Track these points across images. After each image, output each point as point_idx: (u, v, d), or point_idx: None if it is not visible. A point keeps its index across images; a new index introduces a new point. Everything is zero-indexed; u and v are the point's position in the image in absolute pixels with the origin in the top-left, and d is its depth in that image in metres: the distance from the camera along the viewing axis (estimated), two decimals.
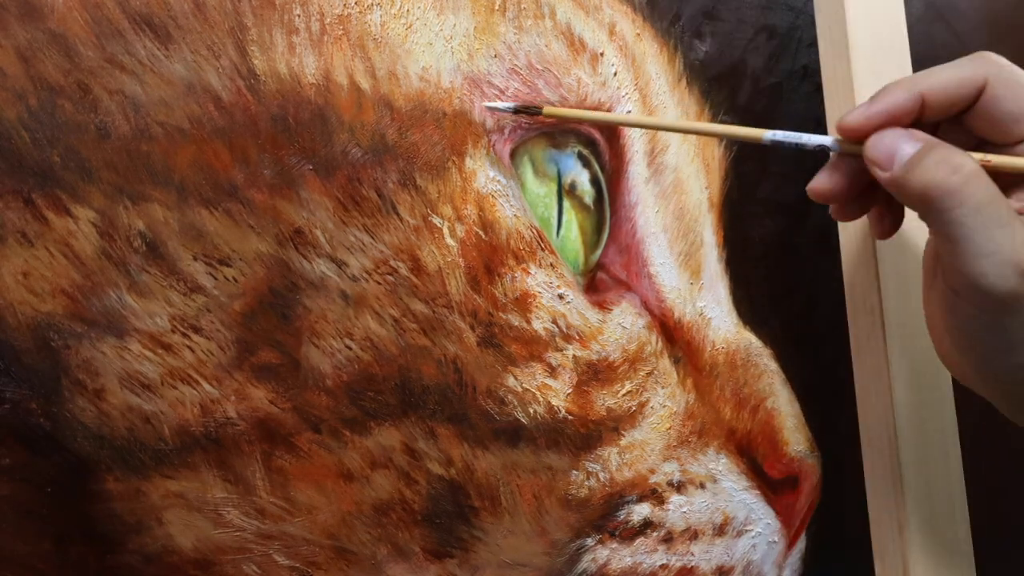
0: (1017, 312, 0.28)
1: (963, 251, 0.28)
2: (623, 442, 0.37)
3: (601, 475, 0.37)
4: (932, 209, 0.28)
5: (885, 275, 0.40)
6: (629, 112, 0.38)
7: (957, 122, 0.31)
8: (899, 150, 0.29)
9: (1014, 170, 0.29)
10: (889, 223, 0.35)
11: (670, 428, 0.39)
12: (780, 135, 0.31)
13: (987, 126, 0.30)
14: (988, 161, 0.29)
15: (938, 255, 0.31)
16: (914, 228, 0.40)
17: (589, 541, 0.37)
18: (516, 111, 0.34)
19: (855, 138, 0.31)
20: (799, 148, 0.32)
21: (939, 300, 0.31)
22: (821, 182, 0.32)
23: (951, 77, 0.30)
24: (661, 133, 0.39)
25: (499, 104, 0.34)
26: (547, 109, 0.34)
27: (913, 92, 0.30)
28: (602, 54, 0.37)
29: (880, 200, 0.34)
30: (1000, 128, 0.30)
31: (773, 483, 0.41)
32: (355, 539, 0.33)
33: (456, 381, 0.34)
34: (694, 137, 0.40)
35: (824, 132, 0.40)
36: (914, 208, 0.30)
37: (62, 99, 0.28)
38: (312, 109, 0.31)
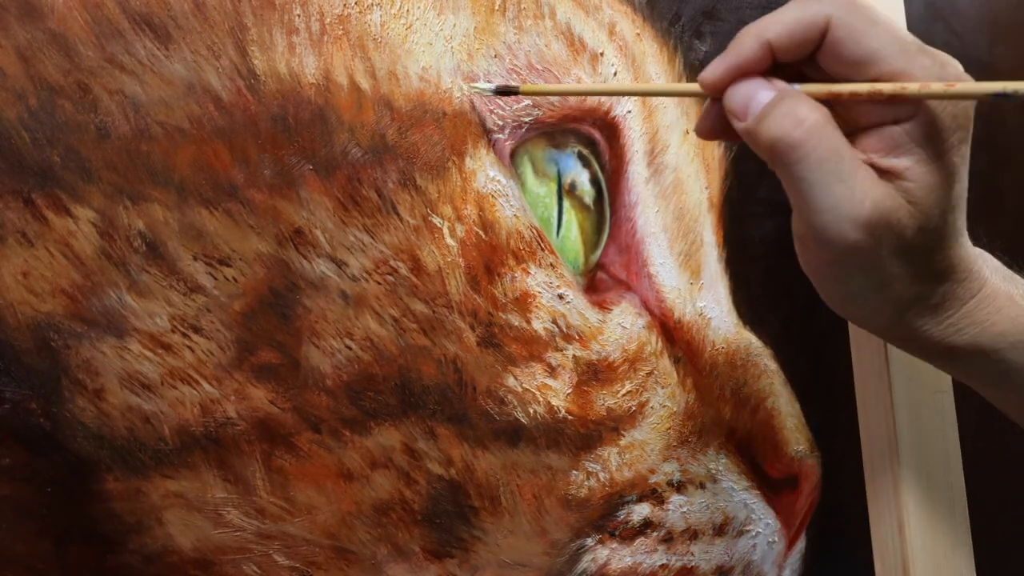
0: (858, 264, 0.29)
1: (806, 205, 0.28)
2: (623, 442, 0.37)
3: (601, 475, 0.37)
4: (778, 162, 0.29)
5: None
6: (629, 112, 0.38)
7: (812, 63, 0.30)
8: (752, 100, 0.29)
9: (854, 96, 0.29)
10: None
11: (670, 428, 0.39)
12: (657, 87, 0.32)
13: (833, 68, 0.30)
14: (834, 92, 0.29)
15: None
16: None
17: (589, 541, 0.37)
18: (496, 92, 0.34)
19: (715, 93, 0.31)
20: (672, 95, 0.33)
21: (797, 247, 0.32)
22: (701, 125, 0.33)
23: (794, 20, 0.29)
24: (661, 131, 0.39)
25: (480, 85, 0.34)
26: (524, 87, 0.34)
27: (760, 39, 0.30)
28: (602, 54, 0.37)
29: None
30: (843, 71, 0.29)
31: (773, 483, 0.41)
32: (355, 539, 0.33)
33: (456, 381, 0.34)
34: (694, 137, 0.40)
35: None
36: (763, 157, 0.30)
37: (62, 99, 0.28)
38: (312, 109, 0.31)
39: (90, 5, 0.29)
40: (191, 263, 0.30)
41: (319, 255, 0.32)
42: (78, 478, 0.29)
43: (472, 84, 0.34)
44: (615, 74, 0.38)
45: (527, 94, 0.35)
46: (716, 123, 0.32)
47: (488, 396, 0.35)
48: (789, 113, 0.28)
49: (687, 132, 0.40)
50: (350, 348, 0.32)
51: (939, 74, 0.28)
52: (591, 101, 0.37)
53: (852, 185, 0.28)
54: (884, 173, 0.29)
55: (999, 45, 0.52)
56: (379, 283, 0.33)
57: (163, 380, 0.30)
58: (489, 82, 0.34)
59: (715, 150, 0.41)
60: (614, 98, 0.37)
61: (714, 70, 0.30)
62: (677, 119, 0.40)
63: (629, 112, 0.38)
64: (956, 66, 0.29)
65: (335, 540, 0.32)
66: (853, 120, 0.30)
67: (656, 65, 0.39)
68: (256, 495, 0.31)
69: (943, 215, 0.29)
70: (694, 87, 0.31)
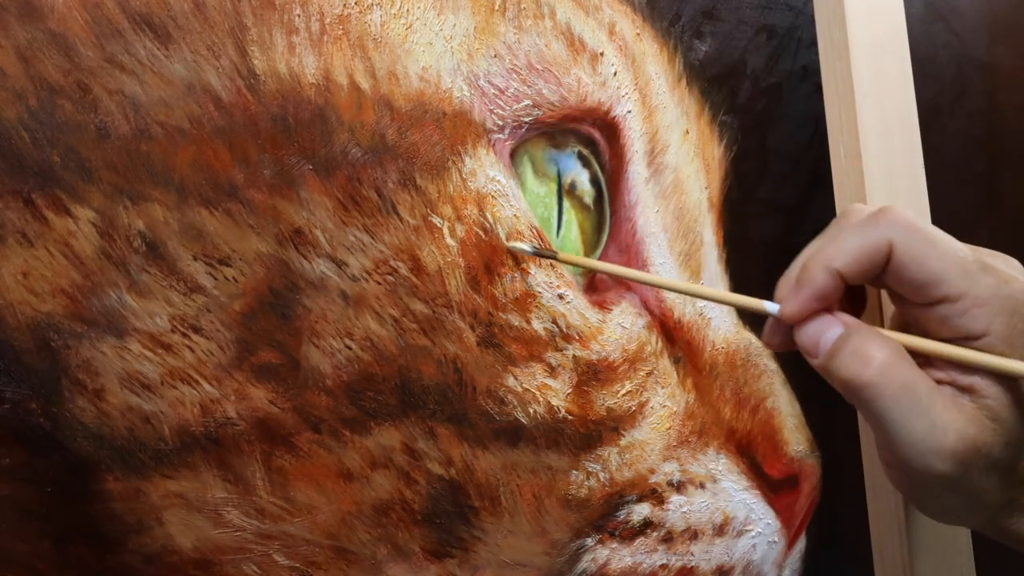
0: (948, 489, 0.29)
1: (888, 438, 0.29)
2: (623, 442, 0.37)
3: (601, 475, 0.37)
4: (854, 400, 0.30)
5: None
6: (629, 112, 0.38)
7: (880, 281, 0.31)
8: (822, 337, 0.31)
9: (924, 352, 0.30)
10: None
11: (670, 428, 0.39)
12: (768, 305, 0.33)
13: (899, 290, 0.30)
14: (910, 346, 0.30)
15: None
16: None
17: (589, 541, 0.37)
18: (534, 253, 0.35)
19: (798, 323, 0.32)
20: (749, 311, 0.34)
21: (883, 466, 0.33)
22: (771, 342, 0.34)
23: (859, 249, 0.30)
24: (661, 131, 0.39)
25: (519, 245, 0.35)
26: (561, 255, 0.35)
27: (830, 272, 0.30)
28: (602, 54, 0.37)
29: None
30: (910, 293, 0.30)
31: (773, 483, 0.41)
32: (355, 539, 0.33)
33: (456, 381, 0.34)
34: (694, 137, 0.40)
35: (823, 133, 0.40)
36: (841, 393, 0.31)
37: (62, 99, 0.28)
38: (312, 109, 0.31)
39: (90, 5, 0.29)
40: (191, 263, 0.30)
41: (319, 255, 0.32)
42: (78, 478, 0.29)
43: (511, 243, 0.35)
44: (615, 74, 0.38)
45: (564, 262, 0.36)
46: (784, 338, 0.33)
47: (488, 396, 0.35)
48: (857, 352, 0.29)
49: (687, 132, 0.40)
50: (350, 348, 0.32)
51: (1002, 292, 0.29)
52: (591, 101, 0.37)
53: (932, 418, 0.28)
54: (963, 390, 0.29)
55: (999, 45, 0.52)
56: (379, 283, 0.33)
57: (163, 380, 0.30)
58: (526, 243, 0.35)
59: (715, 150, 0.41)
60: (613, 98, 0.37)
61: (794, 305, 0.31)
62: (677, 119, 0.40)
63: (629, 112, 0.38)
64: (1018, 280, 0.29)
65: (335, 540, 0.32)
66: (928, 337, 0.30)
67: (656, 65, 0.39)
68: (256, 495, 0.31)
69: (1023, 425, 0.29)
70: (771, 305, 0.32)
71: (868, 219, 0.31)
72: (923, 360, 0.30)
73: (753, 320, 0.42)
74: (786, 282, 0.32)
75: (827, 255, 0.31)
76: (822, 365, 0.31)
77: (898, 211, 0.30)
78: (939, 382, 0.29)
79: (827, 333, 0.30)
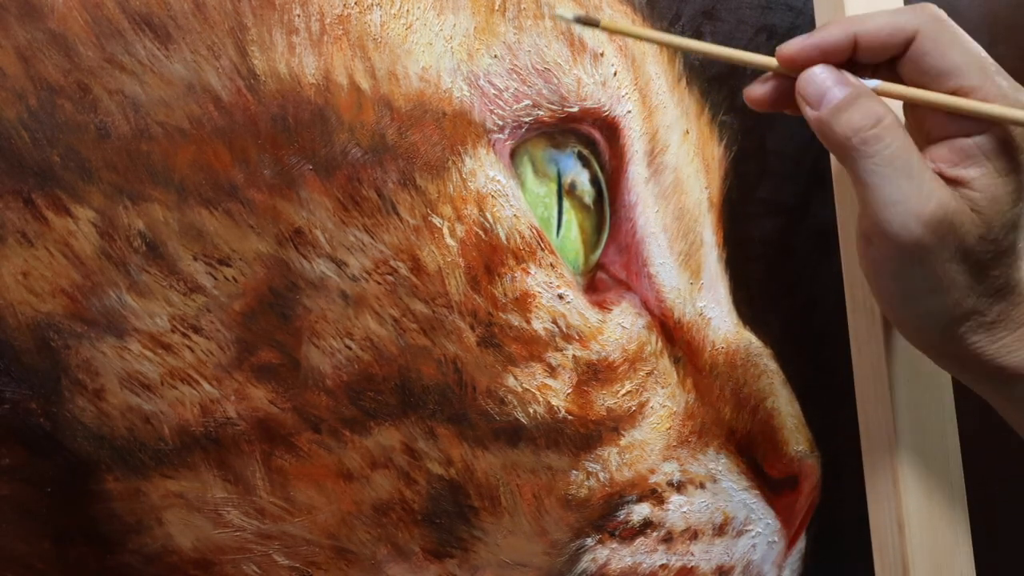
0: (919, 262, 0.30)
1: (873, 198, 0.30)
2: (623, 442, 0.37)
3: (601, 475, 0.37)
4: (850, 155, 0.30)
5: None
6: (629, 112, 0.38)
7: (890, 68, 0.32)
8: (828, 91, 0.31)
9: (918, 102, 0.30)
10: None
11: (670, 428, 0.39)
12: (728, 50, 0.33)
13: (913, 77, 0.31)
14: (910, 97, 0.30)
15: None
16: None
17: (589, 541, 0.37)
18: (576, 21, 0.34)
19: (790, 67, 0.32)
20: (743, 64, 0.34)
21: (859, 248, 0.33)
22: (755, 91, 0.34)
23: (885, 23, 0.31)
24: (661, 131, 0.39)
25: (562, 12, 0.34)
26: (604, 22, 0.34)
27: (847, 32, 0.31)
28: (602, 54, 0.37)
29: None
30: (923, 80, 0.31)
31: (773, 483, 0.41)
32: (355, 539, 0.33)
33: (456, 381, 0.34)
34: (694, 137, 0.40)
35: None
36: (834, 151, 0.31)
37: (62, 99, 0.28)
38: (312, 109, 0.31)
39: (90, 5, 0.29)
40: (191, 263, 0.30)
41: (319, 255, 0.32)
42: (78, 478, 0.29)
43: (557, 11, 0.34)
44: (615, 74, 0.38)
45: (608, 30, 0.35)
46: (771, 95, 0.33)
47: (488, 396, 0.35)
48: (866, 109, 0.30)
49: (687, 132, 0.40)
50: (350, 348, 0.32)
51: (1014, 97, 0.29)
52: (591, 101, 0.37)
53: (920, 183, 0.29)
54: (951, 182, 0.30)
55: (999, 45, 0.52)
56: (379, 283, 0.33)
57: (163, 380, 0.30)
58: (569, 11, 0.35)
59: (715, 150, 0.41)
60: (613, 98, 0.37)
61: (795, 46, 0.31)
62: (677, 119, 0.40)
63: (629, 112, 0.38)
64: None
65: (335, 540, 0.32)
66: (924, 131, 0.31)
67: (656, 65, 0.39)
68: (256, 495, 0.31)
69: (1005, 230, 0.30)
70: (768, 59, 0.32)
71: (902, 7, 0.32)
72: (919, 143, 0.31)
73: (753, 321, 0.42)
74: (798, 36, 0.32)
75: (851, 19, 0.31)
76: (824, 117, 0.30)
77: (936, 7, 0.31)
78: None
79: (834, 89, 0.30)
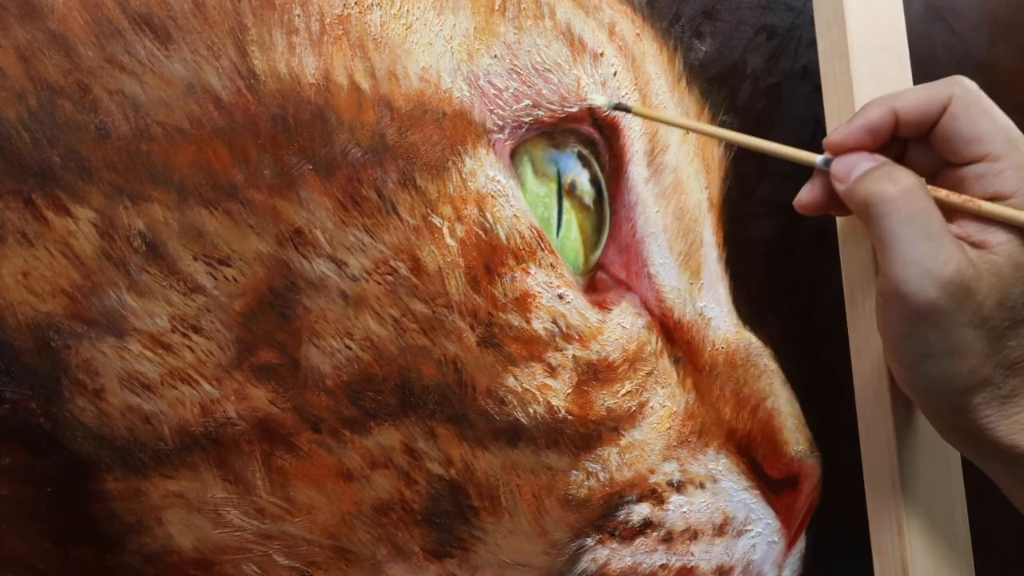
0: (934, 324, 0.30)
1: (891, 257, 0.30)
2: (623, 442, 0.37)
3: (601, 475, 0.37)
4: (870, 215, 0.31)
5: None
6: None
7: (924, 143, 0.33)
8: (856, 166, 0.32)
9: (954, 206, 0.32)
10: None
11: (670, 428, 0.39)
12: (818, 158, 0.35)
13: (944, 144, 0.32)
14: (942, 194, 0.32)
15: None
16: None
17: (589, 541, 0.37)
18: (614, 108, 0.36)
19: (839, 153, 0.33)
20: (793, 160, 0.35)
21: (877, 309, 0.34)
22: (804, 196, 0.35)
23: (922, 96, 0.32)
24: (661, 131, 0.39)
25: (597, 99, 0.36)
26: (636, 108, 0.36)
27: (887, 108, 0.32)
28: (602, 54, 0.37)
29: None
30: (954, 147, 0.32)
31: (773, 483, 0.41)
32: (355, 539, 0.33)
33: (456, 381, 0.34)
34: (694, 137, 0.40)
35: (823, 131, 0.40)
36: (859, 215, 0.32)
37: (62, 99, 0.28)
38: (312, 109, 0.31)
39: (90, 5, 0.29)
40: (191, 263, 0.30)
41: (319, 255, 0.32)
42: (78, 478, 0.29)
43: (590, 99, 0.36)
44: (615, 74, 0.38)
45: (640, 115, 0.37)
46: (819, 196, 0.35)
47: (488, 396, 0.35)
48: (886, 174, 0.31)
49: (686, 133, 0.40)
50: (350, 348, 0.32)
51: None
52: (591, 100, 0.37)
53: (939, 245, 0.30)
54: (975, 245, 0.31)
55: (999, 45, 0.52)
56: (379, 283, 0.33)
57: (163, 380, 0.30)
58: (603, 98, 0.36)
59: (715, 150, 0.41)
60: (616, 99, 0.37)
61: (841, 133, 0.33)
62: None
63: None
64: None
65: (335, 540, 0.32)
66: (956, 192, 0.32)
67: (656, 65, 0.39)
68: (256, 495, 0.31)
69: None
70: (812, 156, 0.34)
71: (938, 80, 0.33)
72: (947, 215, 0.31)
73: (753, 321, 0.42)
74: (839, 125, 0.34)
75: (888, 97, 0.33)
76: (849, 188, 0.32)
77: (966, 79, 0.32)
78: (955, 236, 0.31)
79: (863, 163, 0.32)
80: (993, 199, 0.31)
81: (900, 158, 0.34)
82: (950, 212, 0.32)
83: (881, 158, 0.32)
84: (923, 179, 0.31)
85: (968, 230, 0.31)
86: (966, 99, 0.31)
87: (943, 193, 0.32)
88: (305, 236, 0.31)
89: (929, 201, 0.30)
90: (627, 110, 0.36)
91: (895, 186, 0.30)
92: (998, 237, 0.31)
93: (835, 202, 0.34)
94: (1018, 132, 0.32)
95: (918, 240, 0.30)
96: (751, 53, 0.43)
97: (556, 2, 0.36)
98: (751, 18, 0.43)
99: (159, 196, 0.30)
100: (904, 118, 0.32)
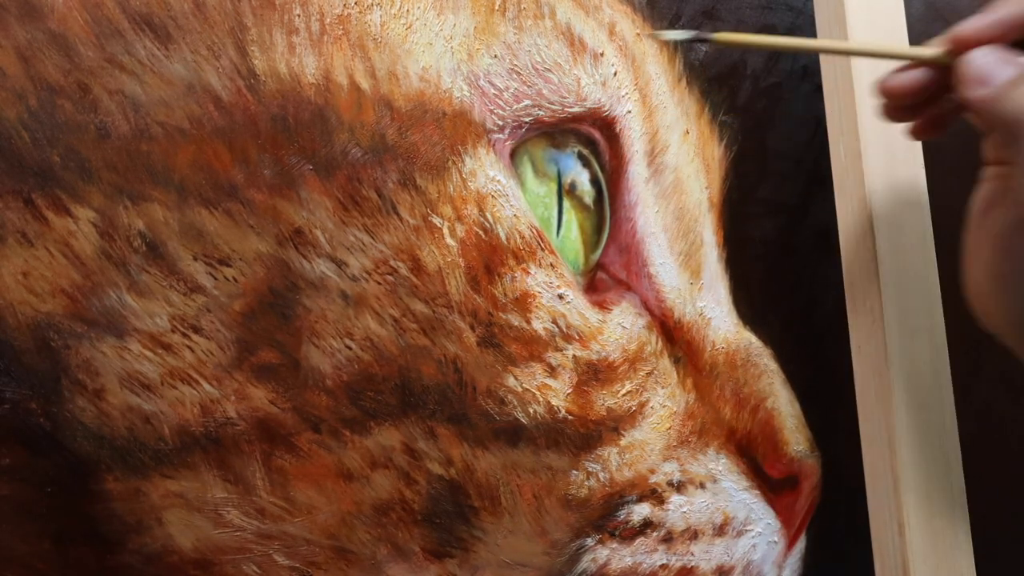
0: None
1: None
2: (623, 442, 0.37)
3: (601, 475, 0.37)
4: (1014, 135, 0.28)
5: (885, 275, 0.40)
6: (629, 112, 0.38)
7: None
8: (994, 72, 0.29)
9: None
10: (929, 133, 0.35)
11: (670, 428, 0.39)
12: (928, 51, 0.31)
13: None
14: None
15: (1003, 191, 0.31)
16: (913, 226, 0.39)
17: (589, 541, 0.37)
18: (693, 39, 0.34)
19: (966, 48, 0.30)
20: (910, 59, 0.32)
21: (991, 241, 0.31)
22: (895, 81, 0.32)
23: None
24: (661, 131, 0.39)
25: (670, 34, 0.34)
26: (718, 36, 0.34)
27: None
28: (602, 54, 0.37)
29: (930, 113, 0.34)
30: None
31: (773, 483, 0.41)
32: (355, 539, 0.33)
33: (456, 381, 0.34)
34: (694, 137, 0.40)
35: (823, 133, 0.40)
36: (1000, 131, 0.29)
37: (62, 99, 0.28)
38: (312, 109, 0.31)
39: (90, 5, 0.29)
40: (191, 263, 0.30)
41: (319, 255, 0.32)
42: (78, 478, 0.29)
43: (665, 34, 0.33)
44: (615, 74, 0.38)
45: (722, 42, 0.34)
46: (915, 85, 0.31)
47: (488, 396, 0.35)
48: None
49: (687, 132, 0.40)
50: (350, 348, 0.32)
51: None
52: (591, 101, 0.37)
53: None
54: None
55: None
56: (379, 283, 0.33)
57: (163, 380, 0.30)
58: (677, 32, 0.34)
59: (715, 150, 0.41)
60: (613, 98, 0.37)
61: (971, 26, 0.30)
62: (677, 119, 0.40)
63: (629, 112, 0.38)
64: None
65: (335, 540, 0.32)
66: None
67: (656, 65, 0.39)
68: (256, 495, 0.31)
69: None
70: (927, 50, 0.31)
71: None
72: None
73: (753, 320, 0.42)
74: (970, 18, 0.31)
75: None
76: (990, 97, 0.29)
77: None
78: None
79: (1001, 69, 0.29)
80: None
81: None
82: None
83: (1018, 60, 0.29)
84: None
85: None
86: None
87: None
88: (305, 236, 0.31)
89: None
90: (707, 40, 0.33)
91: None
92: None
93: (933, 93, 0.31)
94: None
95: None
96: (751, 53, 0.43)
97: (556, 2, 0.36)
98: (751, 18, 0.43)
99: (159, 196, 0.30)
100: None
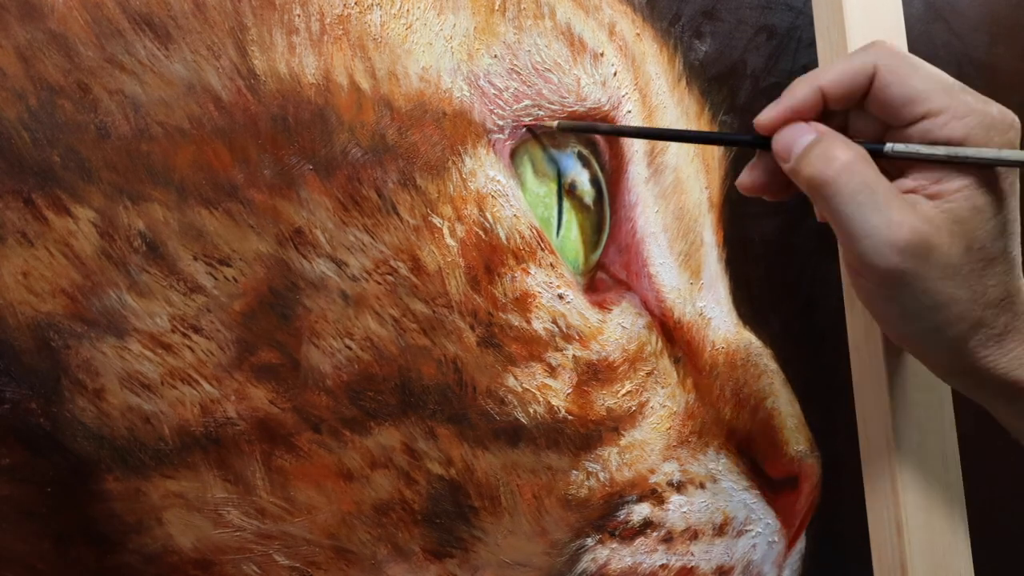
0: (906, 286, 0.30)
1: (846, 234, 0.30)
2: (623, 442, 0.37)
3: (601, 475, 0.37)
4: (817, 197, 0.31)
5: None
6: (629, 112, 0.38)
7: (862, 108, 0.33)
8: (795, 142, 0.32)
9: (902, 156, 0.31)
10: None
11: (670, 428, 0.39)
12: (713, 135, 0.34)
13: (882, 111, 0.32)
14: (901, 152, 0.31)
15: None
16: None
17: (589, 541, 0.37)
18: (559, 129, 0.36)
19: (768, 134, 0.33)
20: (729, 143, 0.35)
21: (850, 280, 0.34)
22: (744, 177, 0.35)
23: (844, 69, 0.32)
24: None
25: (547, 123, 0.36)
26: (560, 124, 0.36)
27: (813, 87, 0.32)
28: (602, 54, 0.37)
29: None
30: (892, 112, 0.31)
31: (773, 483, 0.41)
32: (355, 539, 0.33)
33: (456, 381, 0.34)
34: None
35: None
36: (808, 193, 0.32)
37: (62, 99, 0.28)
38: (312, 109, 0.31)
39: (90, 5, 0.29)
40: (191, 263, 0.30)
41: (319, 255, 0.32)
42: (78, 478, 0.29)
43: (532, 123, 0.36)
44: (615, 74, 0.38)
45: (564, 130, 0.36)
46: (759, 178, 0.34)
47: (488, 396, 0.35)
48: (823, 153, 0.30)
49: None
50: (350, 348, 0.32)
51: (983, 110, 0.30)
52: (591, 101, 0.37)
53: (888, 214, 0.30)
54: (931, 197, 0.31)
55: (999, 45, 0.52)
56: (379, 283, 0.33)
57: (163, 380, 0.30)
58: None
59: (715, 151, 0.41)
60: (614, 98, 0.37)
61: (768, 113, 0.33)
62: (677, 119, 0.40)
63: (629, 113, 0.38)
64: (995, 104, 0.31)
65: (335, 540, 0.32)
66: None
67: (656, 65, 0.39)
68: (256, 495, 0.31)
69: (991, 238, 0.31)
70: (746, 137, 0.34)
71: (856, 50, 0.33)
72: (894, 173, 0.31)
73: (753, 320, 0.42)
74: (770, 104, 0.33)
75: (814, 73, 0.33)
76: (792, 168, 0.32)
77: (885, 42, 0.32)
78: (908, 191, 0.31)
79: (800, 138, 0.32)
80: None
81: (844, 126, 0.34)
82: (901, 167, 0.31)
83: (821, 127, 0.32)
84: (862, 148, 0.31)
85: (921, 182, 0.31)
86: (891, 63, 0.31)
87: (889, 147, 0.31)
88: (305, 236, 0.31)
89: (871, 171, 0.30)
90: (548, 129, 0.36)
91: (832, 166, 0.30)
92: (953, 184, 0.30)
93: (776, 182, 0.34)
94: (951, 79, 0.31)
95: (867, 214, 0.30)
96: (751, 53, 0.43)
97: (556, 2, 0.36)
98: (751, 18, 0.43)
99: (159, 196, 0.30)
100: (832, 94, 0.32)
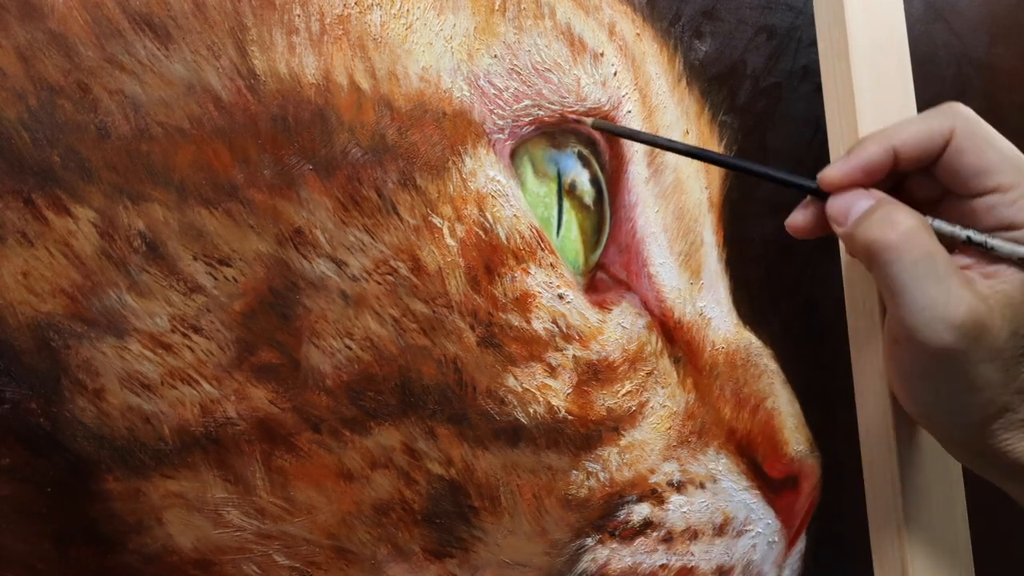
0: (950, 365, 0.30)
1: (900, 304, 0.29)
2: (623, 442, 0.37)
3: (601, 475, 0.37)
4: (873, 262, 0.30)
5: None
6: (629, 112, 0.38)
7: (926, 172, 0.32)
8: (853, 207, 0.31)
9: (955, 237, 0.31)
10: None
11: (670, 428, 0.39)
12: (772, 171, 0.34)
13: (950, 177, 0.31)
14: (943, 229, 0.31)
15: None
16: None
17: (589, 541, 0.37)
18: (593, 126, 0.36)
19: (831, 191, 0.32)
20: (786, 184, 0.34)
21: (886, 349, 0.33)
22: (798, 220, 0.34)
23: (920, 130, 0.31)
24: (661, 132, 0.39)
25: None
26: (594, 122, 0.36)
27: (886, 146, 0.31)
28: (602, 54, 0.37)
29: None
30: (961, 180, 0.31)
31: (773, 483, 0.41)
32: (355, 539, 0.33)
33: (456, 381, 0.34)
34: (694, 137, 0.40)
35: (823, 133, 0.40)
36: (863, 262, 0.31)
37: (62, 99, 0.28)
38: (312, 109, 0.31)
39: (90, 5, 0.29)
40: (191, 263, 0.30)
41: (319, 255, 0.32)
42: (78, 478, 0.29)
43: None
44: (615, 74, 0.38)
45: (597, 128, 0.36)
46: (811, 221, 0.34)
47: (488, 396, 0.35)
48: (885, 217, 0.30)
49: (687, 132, 0.40)
50: (350, 348, 0.32)
51: None
52: (591, 101, 0.37)
53: (948, 288, 0.29)
54: (986, 276, 0.30)
55: (999, 45, 0.52)
56: (379, 283, 0.33)
57: (163, 380, 0.30)
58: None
59: (715, 150, 0.41)
60: (614, 98, 0.37)
61: (837, 170, 0.32)
62: (677, 119, 0.40)
63: (629, 112, 0.38)
64: None
65: (335, 540, 0.32)
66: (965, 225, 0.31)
67: (656, 65, 0.39)
68: (256, 495, 0.31)
69: None
70: (809, 182, 0.33)
71: (933, 109, 0.32)
72: (952, 247, 0.31)
73: (753, 320, 0.42)
74: (837, 159, 0.32)
75: (886, 133, 0.32)
76: (848, 232, 0.31)
77: (964, 106, 0.31)
78: (963, 268, 0.30)
79: (858, 203, 0.31)
80: (1007, 228, 0.30)
81: (899, 187, 0.33)
82: (954, 240, 0.31)
83: (879, 194, 0.31)
84: (924, 218, 0.30)
85: (978, 260, 0.30)
86: (968, 130, 0.30)
87: (947, 228, 0.31)
88: (305, 236, 0.31)
89: (933, 242, 0.29)
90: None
91: (895, 230, 0.29)
92: (1008, 267, 0.30)
93: (823, 228, 0.33)
94: (1022, 156, 0.31)
95: (926, 285, 0.29)
96: (751, 53, 0.43)
97: (556, 2, 0.36)
98: (751, 18, 0.43)
99: (159, 196, 0.30)
100: (905, 155, 0.31)
